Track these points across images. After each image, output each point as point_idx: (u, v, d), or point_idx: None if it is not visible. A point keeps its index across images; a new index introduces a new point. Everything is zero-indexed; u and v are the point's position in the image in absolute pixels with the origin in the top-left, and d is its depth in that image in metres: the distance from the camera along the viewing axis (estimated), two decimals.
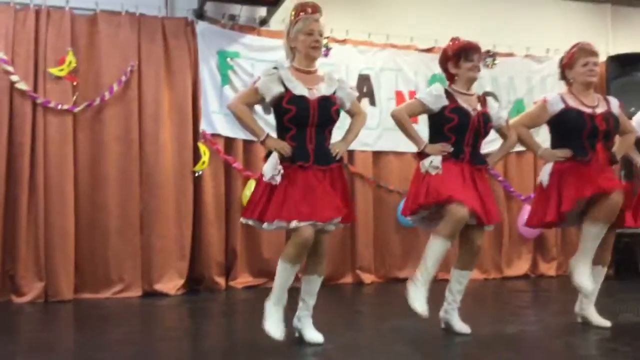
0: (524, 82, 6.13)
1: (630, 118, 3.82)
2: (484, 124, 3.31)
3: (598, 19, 6.56)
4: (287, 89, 2.95)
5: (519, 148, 5.84)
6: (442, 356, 2.90)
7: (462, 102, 3.29)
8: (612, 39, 6.50)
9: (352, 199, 5.54)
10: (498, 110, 3.44)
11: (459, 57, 3.31)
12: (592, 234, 3.29)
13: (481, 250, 3.37)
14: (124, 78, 4.87)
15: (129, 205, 4.85)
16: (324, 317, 3.79)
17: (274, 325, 2.89)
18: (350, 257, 5.58)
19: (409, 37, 5.83)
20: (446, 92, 3.33)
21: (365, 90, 5.65)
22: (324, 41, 5.43)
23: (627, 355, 2.86)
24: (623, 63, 6.04)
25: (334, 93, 3.06)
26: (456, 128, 3.25)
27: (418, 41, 5.83)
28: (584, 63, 3.41)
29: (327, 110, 2.98)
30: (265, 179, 2.89)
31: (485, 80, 5.96)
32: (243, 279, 5.17)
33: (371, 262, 5.60)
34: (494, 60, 6.02)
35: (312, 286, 3.06)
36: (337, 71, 5.44)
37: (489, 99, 3.48)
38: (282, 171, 2.86)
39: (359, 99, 5.50)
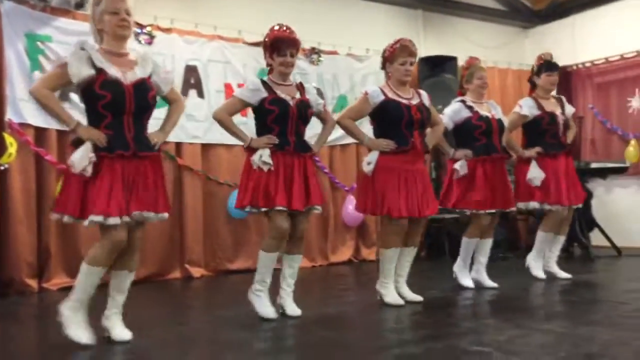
0: (347, 79, 6.46)
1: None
2: (304, 111, 3.39)
3: (411, 23, 7.13)
4: (98, 71, 2.74)
5: (344, 141, 6.27)
6: (264, 340, 2.95)
7: (281, 92, 3.35)
8: (424, 42, 7.11)
9: (180, 193, 5.47)
10: (317, 97, 3.54)
11: (272, 49, 3.35)
12: (387, 257, 3.69)
13: (304, 234, 3.48)
14: None
15: None
16: (149, 313, 3.67)
17: (79, 331, 2.75)
18: (179, 251, 5.46)
19: (237, 30, 5.84)
20: (264, 83, 3.36)
21: (192, 81, 5.56)
22: (148, 28, 5.29)
23: (429, 326, 3.16)
24: (432, 65, 6.63)
25: (150, 77, 2.90)
26: (278, 119, 3.30)
27: (246, 34, 5.86)
28: (402, 62, 3.65)
29: (143, 96, 2.82)
30: (76, 170, 2.67)
31: (310, 76, 6.20)
32: (58, 280, 4.79)
33: (201, 255, 5.53)
34: (319, 57, 6.28)
35: (122, 282, 2.89)
36: (162, 61, 5.35)
37: (307, 86, 3.55)
38: (94, 160, 2.67)
39: (187, 90, 5.49)
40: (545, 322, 3.05)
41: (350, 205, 6.10)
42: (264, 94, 3.32)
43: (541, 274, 4.51)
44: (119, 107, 2.75)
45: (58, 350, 2.77)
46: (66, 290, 4.66)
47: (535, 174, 4.37)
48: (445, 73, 6.61)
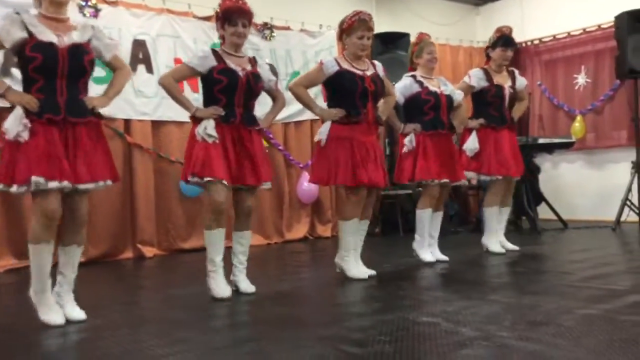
0: (300, 55, 6.41)
1: None
2: (254, 83, 3.32)
3: (365, 0, 7.10)
4: (31, 35, 2.63)
5: (298, 118, 6.24)
6: (217, 317, 2.94)
7: (231, 62, 3.28)
8: (377, 19, 6.98)
9: (131, 171, 5.35)
10: (269, 73, 3.49)
11: (224, 19, 3.28)
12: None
13: (252, 210, 3.44)
14: None
15: None
16: (100, 294, 3.61)
17: (48, 314, 2.70)
18: (130, 231, 5.36)
19: (187, 4, 5.69)
20: (215, 53, 3.29)
21: (141, 56, 5.40)
22: (93, 1, 5.10)
23: (381, 299, 3.21)
24: (385, 41, 6.63)
25: (89, 42, 2.81)
26: (225, 89, 3.23)
27: (196, 8, 5.72)
28: (360, 36, 3.64)
29: (79, 59, 2.71)
30: (10, 137, 2.57)
31: (263, 52, 6.12)
32: (4, 262, 4.64)
33: (153, 235, 5.44)
34: (271, 32, 6.20)
35: (70, 258, 2.81)
36: (108, 34, 5.16)
37: (260, 61, 3.49)
38: (28, 125, 2.57)
39: (135, 65, 5.33)
40: (493, 293, 3.13)
41: (305, 182, 6.10)
42: (214, 62, 3.24)
43: (499, 249, 4.60)
44: (51, 70, 2.64)
45: (4, 333, 2.69)
46: (13, 272, 4.57)
47: (471, 144, 4.46)
48: (398, 50, 6.61)
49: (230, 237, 3.46)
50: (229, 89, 3.23)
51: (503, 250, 4.59)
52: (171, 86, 3.29)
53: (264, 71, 3.44)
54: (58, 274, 2.83)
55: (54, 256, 2.75)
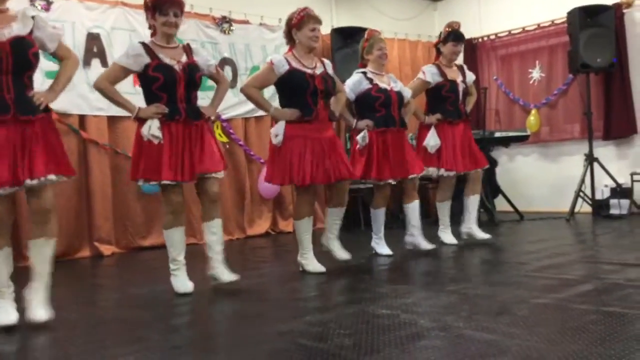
0: (260, 50, 6.37)
1: None
2: (192, 75, 3.24)
3: None
4: None
5: (258, 113, 6.21)
6: (176, 315, 2.90)
7: (164, 56, 3.18)
8: (336, 13, 7.12)
9: (86, 168, 5.23)
10: (206, 58, 3.41)
11: (154, 9, 3.18)
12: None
13: (218, 197, 3.37)
14: None
15: None
16: (56, 294, 3.53)
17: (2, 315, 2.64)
18: (87, 229, 5.25)
19: None
20: (147, 47, 3.18)
21: (95, 50, 5.28)
22: None
23: (341, 293, 3.25)
24: (345, 35, 6.65)
25: (31, 33, 2.70)
26: (164, 86, 3.15)
27: None
28: (312, 29, 3.65)
29: (23, 53, 2.61)
30: None
31: (222, 46, 6.08)
32: None
33: (111, 232, 5.34)
34: (230, 26, 6.14)
35: (40, 252, 2.69)
36: (61, 29, 5.04)
37: (195, 47, 3.41)
38: None
39: (89, 59, 5.21)
40: (451, 284, 3.19)
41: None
42: (147, 59, 3.15)
43: (453, 240, 4.71)
44: None
45: None
46: None
47: (431, 141, 4.53)
48: (357, 44, 6.60)
49: (192, 235, 3.42)
50: (167, 86, 3.15)
51: (456, 241, 4.70)
52: (107, 89, 3.21)
53: (200, 58, 3.35)
54: (32, 271, 2.72)
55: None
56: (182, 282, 3.25)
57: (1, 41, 2.57)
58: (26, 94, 2.64)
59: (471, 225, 4.77)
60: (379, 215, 4.37)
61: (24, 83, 2.65)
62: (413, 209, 4.42)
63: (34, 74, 2.73)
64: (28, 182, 2.58)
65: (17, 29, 2.64)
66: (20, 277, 2.78)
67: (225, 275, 3.32)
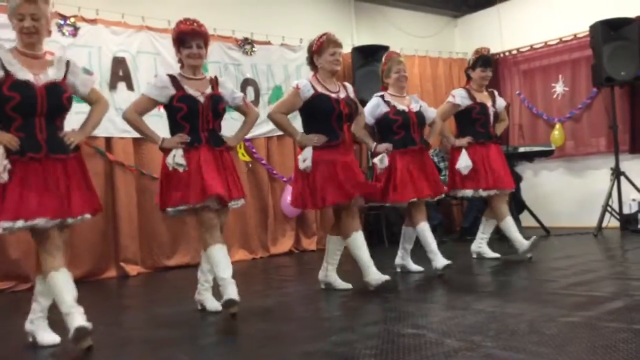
0: (281, 69, 6.44)
1: None
2: (215, 106, 3.31)
3: (344, 13, 7.19)
4: (7, 73, 2.63)
5: (280, 132, 6.22)
6: (202, 336, 2.92)
7: (189, 87, 3.26)
8: (356, 32, 7.17)
9: (113, 189, 5.31)
10: (232, 91, 3.48)
11: (179, 42, 3.27)
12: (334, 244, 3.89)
13: (224, 227, 3.39)
14: None
15: None
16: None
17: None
18: (113, 249, 5.31)
19: (166, 20, 5.68)
20: (174, 80, 3.27)
21: (121, 73, 5.40)
22: (72, 20, 5.09)
23: (366, 312, 3.22)
24: (365, 54, 6.69)
25: (64, 78, 2.82)
26: (187, 116, 3.23)
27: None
28: (332, 53, 3.69)
29: (57, 97, 2.73)
30: None
31: (245, 67, 6.15)
32: None
33: (137, 253, 5.40)
34: (252, 47, 6.23)
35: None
36: (88, 54, 5.17)
37: (222, 80, 3.48)
38: (9, 167, 2.56)
39: (115, 82, 5.32)
40: (477, 303, 3.15)
41: (288, 196, 6.09)
42: (172, 91, 3.24)
43: (494, 254, 4.83)
44: (29, 108, 2.65)
45: None
46: None
47: (463, 163, 4.51)
48: (378, 62, 6.63)
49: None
50: (190, 116, 3.23)
51: (497, 255, 4.80)
52: (136, 121, 3.30)
53: (226, 90, 3.43)
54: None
55: None
56: (212, 302, 3.38)
57: (37, 86, 2.67)
58: (57, 135, 2.74)
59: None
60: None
61: (56, 125, 2.76)
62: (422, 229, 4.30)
63: (65, 117, 2.83)
64: (69, 220, 2.69)
65: (52, 75, 2.75)
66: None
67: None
